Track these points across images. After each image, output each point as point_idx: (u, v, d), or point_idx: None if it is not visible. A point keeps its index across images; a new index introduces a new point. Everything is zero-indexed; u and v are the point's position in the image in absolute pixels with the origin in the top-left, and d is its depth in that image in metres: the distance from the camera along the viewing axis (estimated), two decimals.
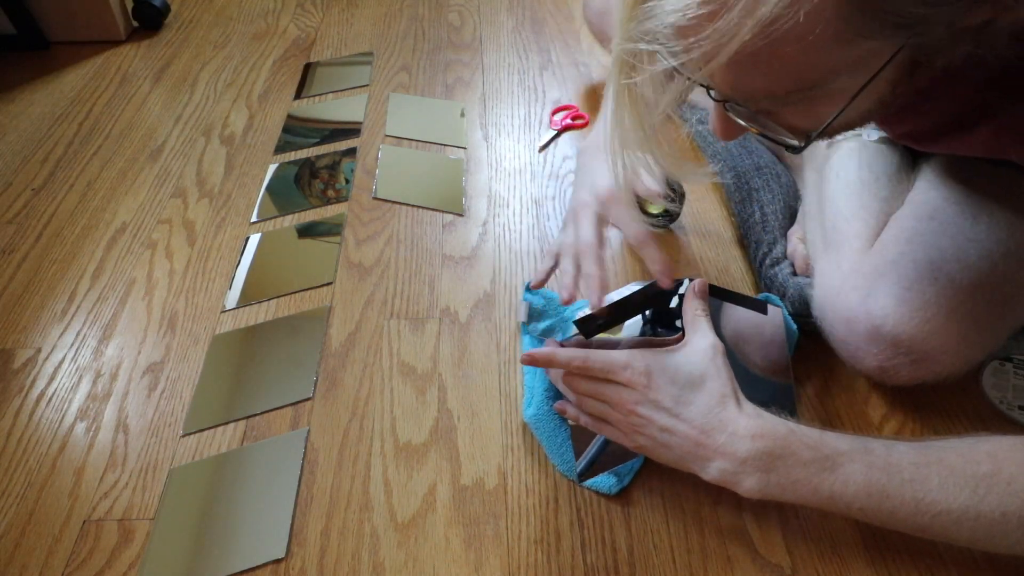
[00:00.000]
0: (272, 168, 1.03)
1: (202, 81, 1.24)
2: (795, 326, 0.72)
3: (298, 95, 1.20)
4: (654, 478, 0.63)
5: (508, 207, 0.94)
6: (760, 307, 0.67)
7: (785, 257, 0.79)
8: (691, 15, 0.37)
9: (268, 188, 1.00)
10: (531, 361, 0.59)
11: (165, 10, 1.40)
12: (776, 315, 0.69)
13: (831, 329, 0.66)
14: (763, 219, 0.83)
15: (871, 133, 0.74)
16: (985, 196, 0.64)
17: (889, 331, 0.60)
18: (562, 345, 0.61)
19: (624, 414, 0.55)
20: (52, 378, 0.75)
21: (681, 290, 0.61)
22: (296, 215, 0.95)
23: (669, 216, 0.88)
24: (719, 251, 0.86)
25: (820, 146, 0.79)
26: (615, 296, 0.64)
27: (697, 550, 0.58)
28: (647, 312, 0.66)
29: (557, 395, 0.66)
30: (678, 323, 0.60)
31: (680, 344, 0.56)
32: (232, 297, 0.83)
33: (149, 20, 1.39)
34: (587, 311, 0.62)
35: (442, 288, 0.83)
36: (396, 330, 0.78)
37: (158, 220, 0.95)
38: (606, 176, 0.64)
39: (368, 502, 0.63)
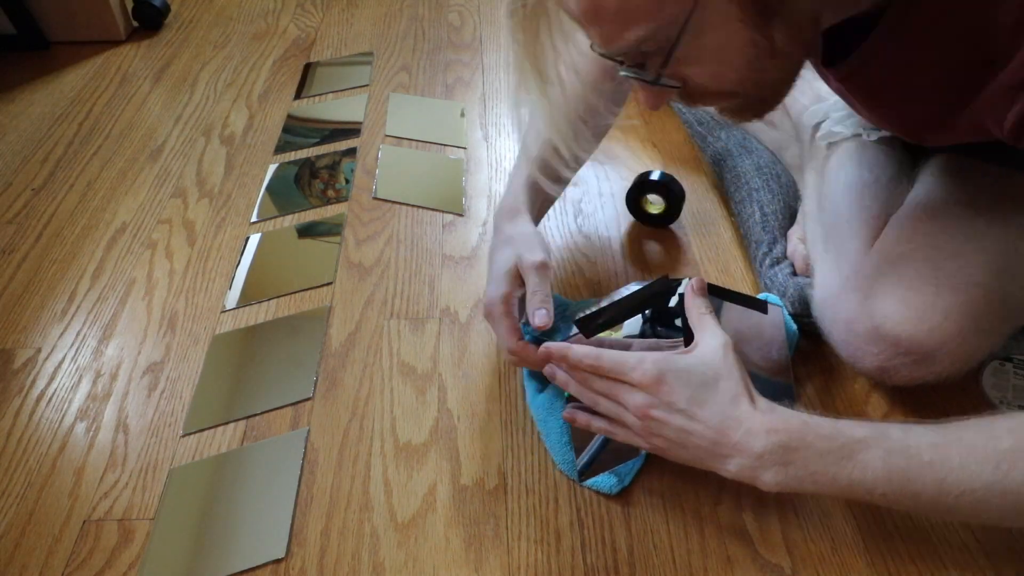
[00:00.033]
0: (272, 168, 1.03)
1: (202, 81, 1.24)
2: (795, 326, 0.72)
3: (298, 95, 1.20)
4: (654, 478, 0.63)
5: None
6: (760, 307, 0.67)
7: (785, 257, 0.79)
8: None
9: (268, 188, 1.00)
10: (547, 356, 0.59)
11: (165, 10, 1.40)
12: (776, 315, 0.69)
13: (831, 329, 0.66)
14: (763, 219, 0.83)
15: (871, 133, 0.74)
16: (984, 195, 0.64)
17: (889, 331, 0.60)
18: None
19: (639, 417, 0.54)
20: (52, 378, 0.75)
21: (680, 289, 0.61)
22: (296, 215, 0.95)
23: (669, 216, 0.88)
24: (719, 251, 0.86)
25: (820, 147, 0.79)
26: (616, 295, 0.64)
27: (697, 550, 0.58)
28: (647, 311, 0.66)
29: (559, 393, 0.66)
30: (678, 322, 0.60)
31: (692, 345, 0.56)
32: (232, 297, 0.83)
33: (149, 20, 1.39)
34: (588, 310, 0.62)
35: (442, 288, 0.83)
36: (396, 330, 0.78)
37: (158, 220, 0.95)
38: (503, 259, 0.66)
39: (368, 502, 0.63)
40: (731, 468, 0.52)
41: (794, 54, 0.49)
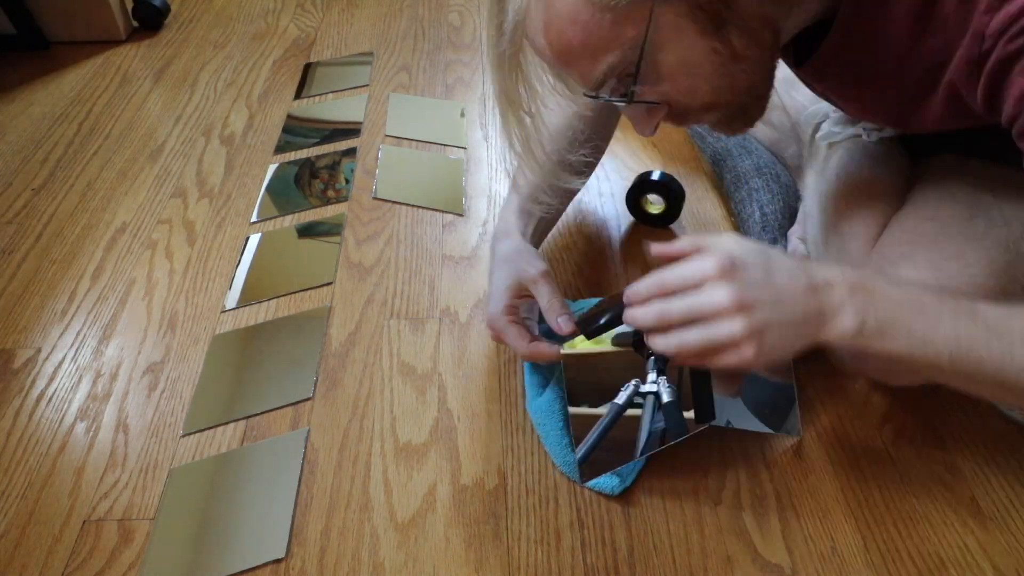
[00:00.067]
0: (272, 168, 1.03)
1: (202, 81, 1.24)
2: None
3: (298, 95, 1.20)
4: (654, 478, 0.63)
5: None
6: None
7: None
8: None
9: (268, 188, 1.00)
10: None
11: (165, 10, 1.40)
12: None
13: None
14: (763, 219, 0.83)
15: (871, 134, 0.74)
16: (985, 196, 0.64)
17: None
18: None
19: (734, 311, 0.48)
20: (52, 378, 0.75)
21: None
22: (296, 215, 0.95)
23: (669, 216, 0.88)
24: None
25: (820, 147, 0.79)
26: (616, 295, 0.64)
27: (697, 550, 0.58)
28: None
29: (560, 393, 0.66)
30: None
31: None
32: (232, 297, 0.83)
33: (149, 20, 1.39)
34: (588, 311, 0.62)
35: (442, 288, 0.83)
36: (396, 330, 0.78)
37: (158, 220, 0.95)
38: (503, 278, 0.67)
39: (368, 502, 0.63)
40: (835, 301, 0.49)
41: (757, 57, 0.50)
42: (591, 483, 0.62)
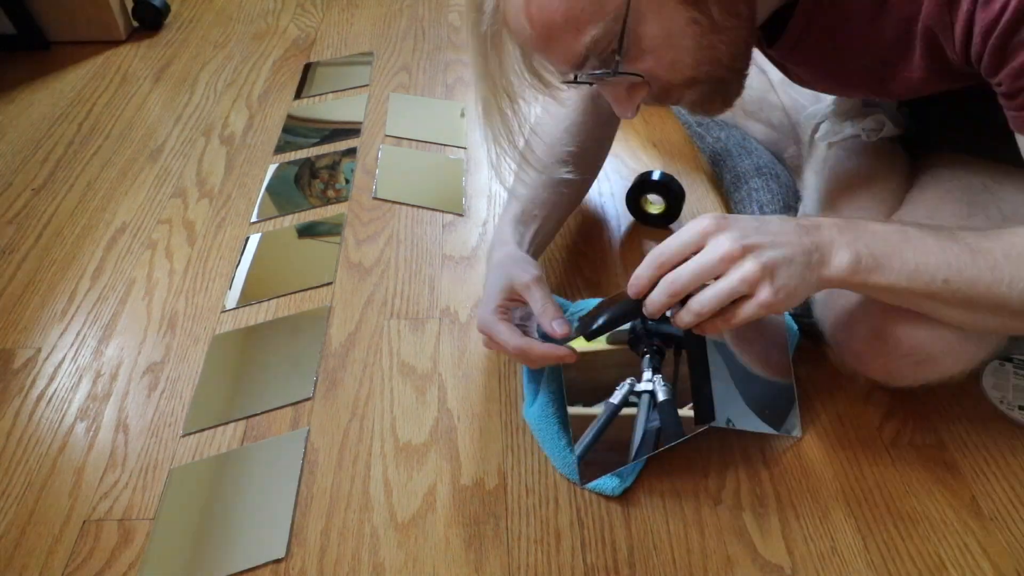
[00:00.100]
0: (272, 168, 1.03)
1: (202, 81, 1.24)
2: (796, 327, 0.72)
3: (298, 95, 1.20)
4: (654, 478, 0.63)
5: None
6: None
7: None
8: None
9: (268, 188, 1.00)
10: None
11: (165, 10, 1.40)
12: (777, 315, 0.68)
13: (833, 331, 0.65)
14: None
15: (870, 134, 0.74)
16: (982, 192, 0.64)
17: (891, 333, 0.60)
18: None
19: (739, 254, 0.49)
20: (52, 378, 0.75)
21: None
22: (296, 215, 0.95)
23: (669, 216, 0.88)
24: None
25: (820, 147, 0.79)
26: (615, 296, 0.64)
27: (697, 550, 0.58)
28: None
29: (558, 395, 0.66)
30: (668, 313, 0.60)
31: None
32: (232, 297, 0.83)
33: (149, 20, 1.39)
34: (588, 312, 0.62)
35: (442, 288, 0.83)
36: (396, 330, 0.78)
37: (158, 220, 0.95)
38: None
39: (368, 502, 0.63)
40: (826, 238, 0.51)
41: (735, 27, 0.51)
42: (591, 484, 0.62)
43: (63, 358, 0.77)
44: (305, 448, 0.67)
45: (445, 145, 1.07)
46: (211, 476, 0.66)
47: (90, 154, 1.07)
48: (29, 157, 1.07)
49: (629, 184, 0.89)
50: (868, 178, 0.72)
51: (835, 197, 0.73)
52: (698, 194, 0.94)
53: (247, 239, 0.91)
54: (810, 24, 0.56)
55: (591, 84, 0.55)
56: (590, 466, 0.62)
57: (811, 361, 0.72)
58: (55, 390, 0.74)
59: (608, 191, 0.95)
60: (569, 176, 0.72)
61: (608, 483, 0.62)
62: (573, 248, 0.87)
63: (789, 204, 0.85)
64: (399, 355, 0.76)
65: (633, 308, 0.63)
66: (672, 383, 0.62)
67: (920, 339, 0.58)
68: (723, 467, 0.64)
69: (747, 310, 0.51)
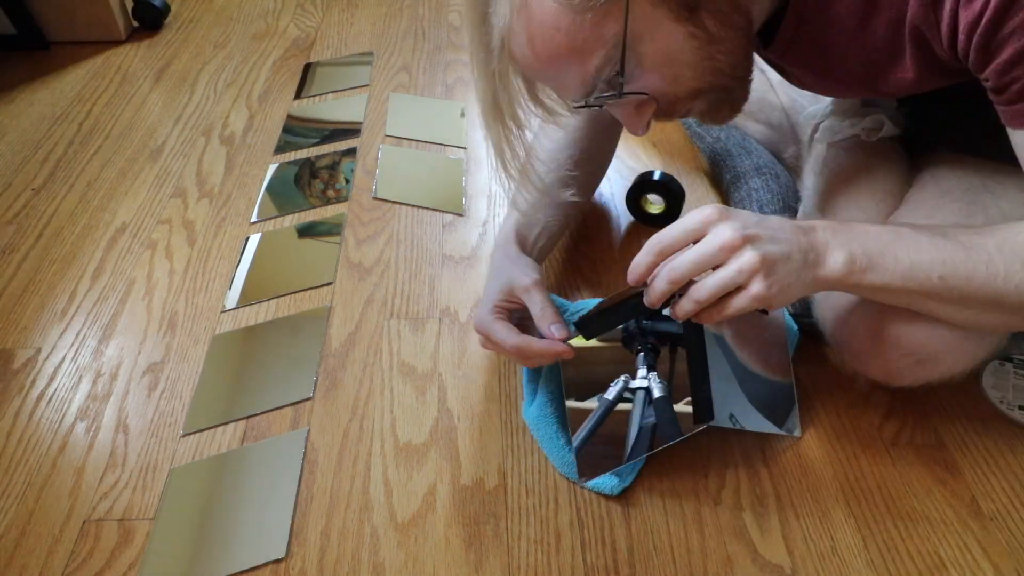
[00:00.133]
0: (272, 168, 1.03)
1: (202, 81, 1.24)
2: (796, 327, 0.72)
3: (298, 95, 1.20)
4: (654, 478, 0.63)
5: (508, 207, 0.94)
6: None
7: None
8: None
9: (268, 188, 1.00)
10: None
11: (165, 10, 1.40)
12: (777, 316, 0.69)
13: (833, 331, 0.65)
14: None
15: (870, 134, 0.74)
16: (982, 192, 0.64)
17: (891, 333, 0.60)
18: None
19: (739, 244, 0.49)
20: (52, 378, 0.75)
21: None
22: (296, 215, 0.95)
23: (669, 216, 0.88)
24: None
25: (819, 147, 0.79)
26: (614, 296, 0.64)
27: (697, 550, 0.58)
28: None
29: (556, 395, 0.66)
30: (666, 311, 0.60)
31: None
32: (232, 297, 0.83)
33: (149, 20, 1.39)
34: (587, 312, 0.62)
35: (442, 288, 0.83)
36: (396, 330, 0.78)
37: (158, 220, 0.95)
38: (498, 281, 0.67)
39: (368, 502, 0.63)
40: (821, 239, 0.52)
41: (732, 38, 0.52)
42: (590, 483, 0.62)
43: (63, 358, 0.77)
44: (305, 448, 0.67)
45: (445, 145, 1.07)
46: (211, 476, 0.66)
47: (90, 154, 1.07)
48: (29, 157, 1.07)
49: (629, 184, 0.89)
50: (867, 178, 0.72)
51: (834, 197, 0.73)
52: (698, 194, 0.94)
53: (247, 239, 0.91)
54: (800, 27, 0.57)
55: (601, 107, 0.56)
56: (588, 461, 0.62)
57: (811, 361, 0.72)
58: (55, 390, 0.74)
59: (608, 191, 0.95)
60: (571, 198, 0.73)
61: (607, 482, 0.62)
62: (573, 248, 0.87)
63: (789, 204, 0.85)
64: (399, 355, 0.76)
65: (633, 307, 0.63)
66: (668, 380, 0.62)
67: (920, 339, 0.58)
68: (723, 467, 0.64)
69: (738, 302, 0.51)
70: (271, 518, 0.62)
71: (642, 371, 0.62)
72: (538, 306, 0.63)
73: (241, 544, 0.60)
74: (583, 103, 0.54)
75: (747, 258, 0.49)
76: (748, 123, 0.96)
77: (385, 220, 0.93)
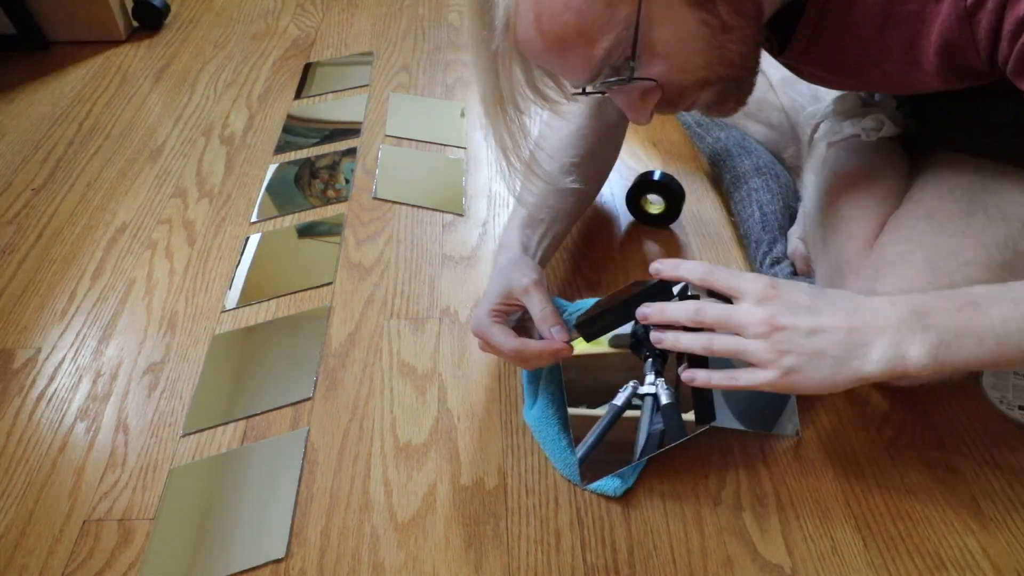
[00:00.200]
0: (272, 168, 1.03)
1: (202, 81, 1.24)
2: None
3: (298, 95, 1.20)
4: (654, 479, 0.63)
5: (508, 207, 0.94)
6: None
7: (785, 256, 0.79)
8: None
9: (268, 188, 1.00)
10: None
11: (165, 10, 1.40)
12: None
13: None
14: (763, 219, 0.83)
15: (870, 133, 0.74)
16: (983, 193, 0.64)
17: None
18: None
19: (764, 333, 0.50)
20: (52, 378, 0.75)
21: (676, 289, 0.61)
22: (296, 215, 0.95)
23: (669, 216, 0.88)
24: (719, 251, 0.86)
25: (819, 147, 0.79)
26: (613, 295, 0.64)
27: (697, 550, 0.58)
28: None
29: (558, 396, 0.66)
30: None
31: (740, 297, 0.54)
32: (232, 297, 0.83)
33: (149, 20, 1.39)
34: (588, 314, 0.62)
35: (442, 288, 0.83)
36: (396, 330, 0.78)
37: (158, 220, 0.95)
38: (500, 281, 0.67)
39: (368, 502, 0.63)
40: (875, 357, 0.48)
41: (743, 27, 0.51)
42: (592, 485, 0.62)
43: (63, 358, 0.77)
44: (305, 448, 0.67)
45: (445, 145, 1.07)
46: (211, 476, 0.66)
47: (90, 154, 1.07)
48: (29, 157, 1.07)
49: (629, 184, 0.89)
50: (868, 178, 0.72)
51: (835, 197, 0.73)
52: (698, 194, 0.94)
53: (247, 239, 0.91)
54: (818, 30, 0.56)
55: (603, 94, 0.55)
56: (591, 467, 0.62)
57: None
58: (55, 390, 0.74)
59: (608, 191, 0.95)
60: (575, 185, 0.72)
61: (609, 484, 0.61)
62: (573, 248, 0.87)
63: (789, 204, 0.86)
64: (399, 355, 0.76)
65: (634, 308, 0.63)
66: (675, 386, 0.62)
67: None
68: (723, 467, 0.64)
69: (741, 379, 0.53)
70: (271, 518, 0.62)
71: (650, 377, 0.62)
72: (538, 308, 0.63)
73: (241, 544, 0.60)
74: (582, 89, 0.53)
75: (760, 346, 0.50)
76: (748, 123, 0.96)
77: (385, 220, 0.93)
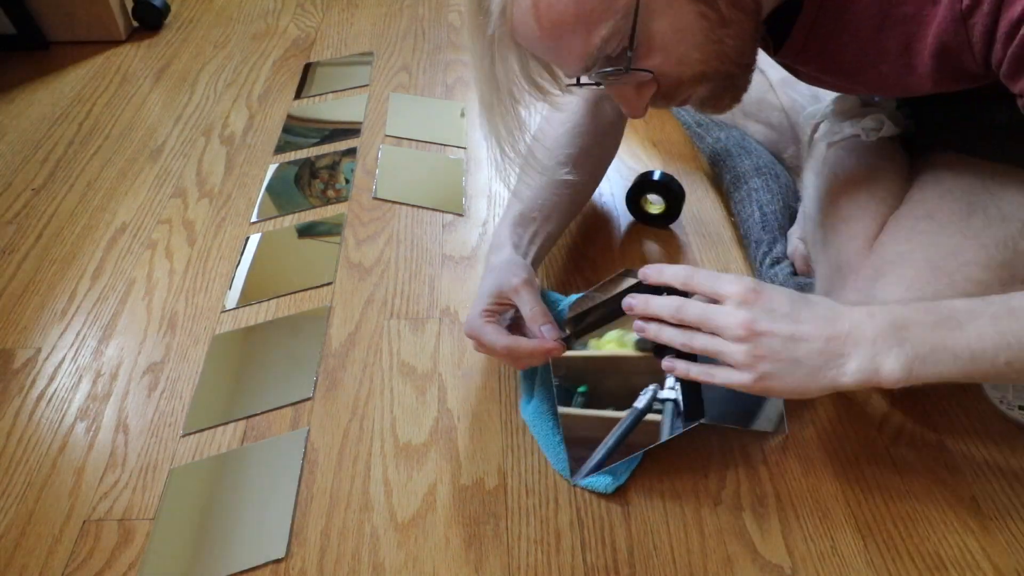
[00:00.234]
0: (272, 168, 1.03)
1: (202, 81, 1.24)
2: None
3: (298, 95, 1.20)
4: (654, 478, 0.63)
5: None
6: None
7: (785, 256, 0.79)
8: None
9: (268, 188, 1.00)
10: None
11: (165, 10, 1.40)
12: None
13: None
14: (763, 219, 0.83)
15: (870, 134, 0.74)
16: (982, 193, 0.64)
17: None
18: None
19: (742, 336, 0.50)
20: (52, 378, 0.75)
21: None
22: (296, 215, 0.95)
23: (669, 216, 0.88)
24: (719, 251, 0.86)
25: (819, 147, 0.79)
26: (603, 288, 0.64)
27: (697, 550, 0.58)
28: None
29: (551, 394, 0.66)
30: None
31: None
32: (232, 297, 0.83)
33: (149, 20, 1.39)
34: (580, 310, 0.62)
35: (442, 288, 0.83)
36: (396, 330, 0.78)
37: (158, 220, 0.95)
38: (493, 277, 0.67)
39: (368, 502, 0.63)
40: (851, 369, 0.49)
41: (742, 21, 0.51)
42: (584, 482, 0.62)
43: (63, 358, 0.77)
44: (305, 448, 0.67)
45: (445, 145, 1.07)
46: (211, 476, 0.66)
47: (90, 154, 1.07)
48: (29, 157, 1.07)
49: (629, 184, 0.89)
50: (868, 178, 0.72)
51: (835, 197, 0.73)
52: (698, 194, 0.94)
53: (247, 239, 0.91)
54: (814, 28, 0.56)
55: (598, 85, 0.55)
56: (581, 463, 0.62)
57: None
58: (55, 390, 0.74)
59: (608, 191, 0.95)
60: (570, 177, 0.72)
61: (600, 481, 0.61)
62: (573, 248, 0.87)
63: (789, 204, 0.86)
64: (399, 355, 0.76)
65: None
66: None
67: None
68: (723, 467, 0.64)
69: (717, 376, 0.53)
70: (271, 518, 0.62)
71: (670, 380, 0.61)
72: (527, 307, 0.63)
73: (241, 544, 0.60)
74: (577, 80, 0.53)
75: (736, 350, 0.51)
76: (748, 123, 0.96)
77: (385, 220, 0.93)
